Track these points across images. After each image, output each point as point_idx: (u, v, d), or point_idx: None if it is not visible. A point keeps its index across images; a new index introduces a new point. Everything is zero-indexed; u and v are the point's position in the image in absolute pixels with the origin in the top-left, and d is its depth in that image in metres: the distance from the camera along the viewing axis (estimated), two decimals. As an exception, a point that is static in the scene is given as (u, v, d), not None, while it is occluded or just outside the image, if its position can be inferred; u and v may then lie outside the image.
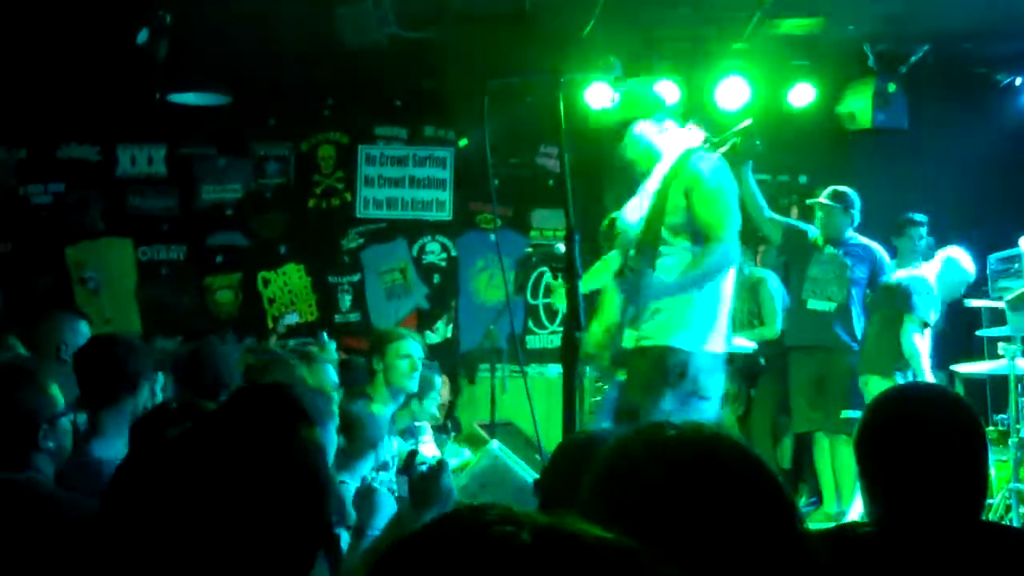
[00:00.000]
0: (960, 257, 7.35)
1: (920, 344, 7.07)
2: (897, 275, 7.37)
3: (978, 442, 2.41)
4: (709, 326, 4.29)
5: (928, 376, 7.10)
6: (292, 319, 8.92)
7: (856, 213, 7.45)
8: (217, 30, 7.70)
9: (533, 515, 1.01)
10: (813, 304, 7.41)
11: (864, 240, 7.51)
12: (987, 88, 9.06)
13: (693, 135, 7.60)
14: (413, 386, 5.31)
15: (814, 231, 7.59)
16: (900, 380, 7.03)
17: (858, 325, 7.38)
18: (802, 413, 7.48)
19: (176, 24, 7.15)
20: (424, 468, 3.18)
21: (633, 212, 4.63)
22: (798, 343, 7.53)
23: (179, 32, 7.21)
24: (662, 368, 4.21)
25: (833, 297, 7.35)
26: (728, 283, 4.39)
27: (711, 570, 1.43)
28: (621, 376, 4.27)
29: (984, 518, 5.95)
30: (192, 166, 9.60)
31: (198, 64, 8.40)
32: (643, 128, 4.63)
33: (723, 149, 7.25)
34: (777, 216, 7.60)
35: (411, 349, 5.33)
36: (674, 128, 4.66)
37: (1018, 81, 8.95)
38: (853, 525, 2.52)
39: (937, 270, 7.26)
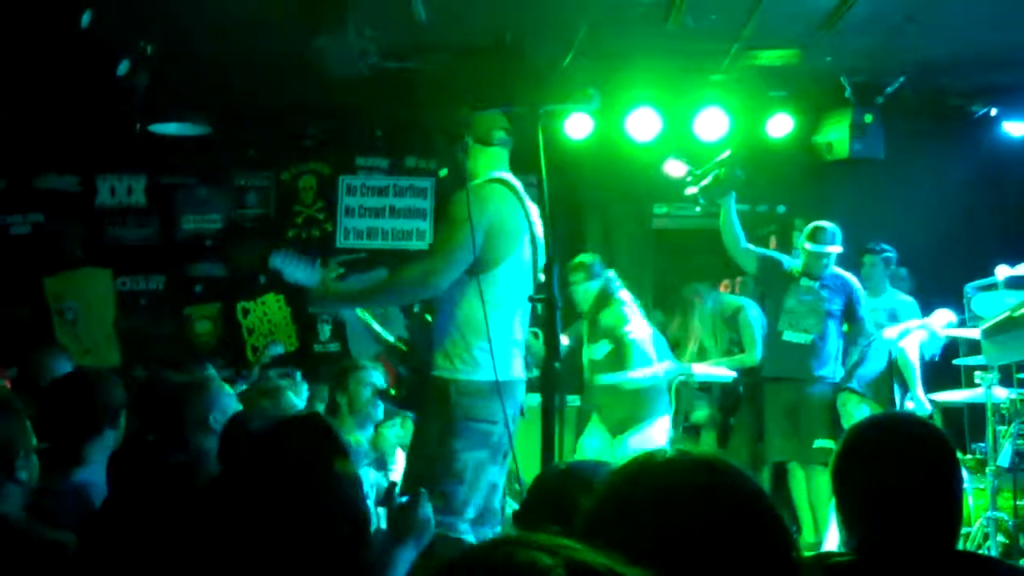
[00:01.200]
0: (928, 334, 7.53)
1: (914, 357, 7.20)
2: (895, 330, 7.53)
3: (952, 472, 2.42)
4: (475, 353, 4.35)
5: (919, 391, 7.21)
6: (278, 350, 8.88)
7: (839, 246, 7.49)
8: (197, 61, 7.72)
9: (577, 549, 1.02)
10: (789, 336, 7.45)
11: (839, 271, 7.55)
12: (962, 119, 9.14)
13: (675, 167, 7.70)
14: (379, 413, 5.36)
15: (789, 261, 7.64)
16: (874, 403, 7.19)
17: (832, 358, 7.42)
18: (775, 444, 7.50)
19: (156, 55, 7.17)
20: (403, 499, 3.18)
21: None
22: (772, 374, 7.55)
23: (159, 63, 7.23)
24: (430, 397, 4.35)
25: (809, 330, 7.39)
26: (502, 310, 4.39)
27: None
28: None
29: (962, 546, 5.98)
30: (172, 196, 9.60)
31: (178, 94, 8.42)
32: (461, 146, 4.58)
33: (706, 181, 7.34)
34: (752, 247, 7.64)
35: (372, 378, 5.42)
36: (484, 161, 4.61)
37: (993, 112, 9.03)
38: (830, 554, 2.53)
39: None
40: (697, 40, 7.35)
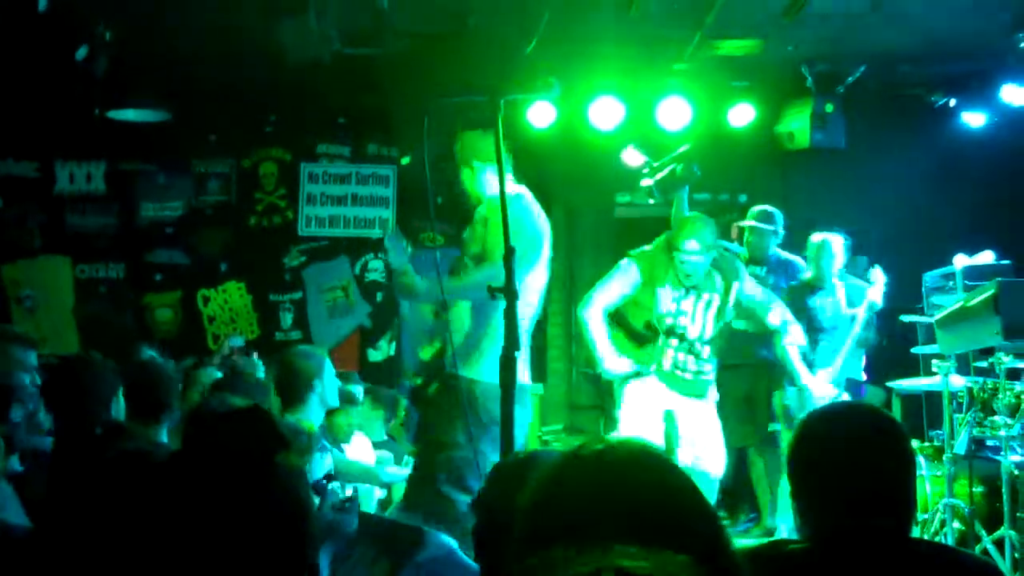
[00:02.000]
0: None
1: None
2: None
3: (906, 460, 2.44)
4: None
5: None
6: (238, 342, 8.82)
7: (781, 230, 7.57)
8: (157, 46, 7.65)
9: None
10: (738, 323, 7.49)
11: (785, 254, 7.62)
12: (922, 109, 9.21)
13: (633, 156, 7.71)
14: (336, 401, 5.42)
15: (736, 248, 7.70)
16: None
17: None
18: (733, 429, 7.55)
19: (115, 40, 7.10)
20: (337, 501, 3.15)
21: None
22: (724, 362, 7.58)
23: (118, 48, 7.16)
24: (453, 395, 4.60)
25: None
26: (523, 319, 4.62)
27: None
28: (417, 381, 4.91)
29: (919, 533, 6.04)
30: (132, 183, 9.51)
31: (138, 80, 8.33)
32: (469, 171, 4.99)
33: (662, 175, 7.37)
34: None
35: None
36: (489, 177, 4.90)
37: (952, 103, 9.10)
38: (784, 542, 2.54)
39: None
40: (660, 28, 7.36)
